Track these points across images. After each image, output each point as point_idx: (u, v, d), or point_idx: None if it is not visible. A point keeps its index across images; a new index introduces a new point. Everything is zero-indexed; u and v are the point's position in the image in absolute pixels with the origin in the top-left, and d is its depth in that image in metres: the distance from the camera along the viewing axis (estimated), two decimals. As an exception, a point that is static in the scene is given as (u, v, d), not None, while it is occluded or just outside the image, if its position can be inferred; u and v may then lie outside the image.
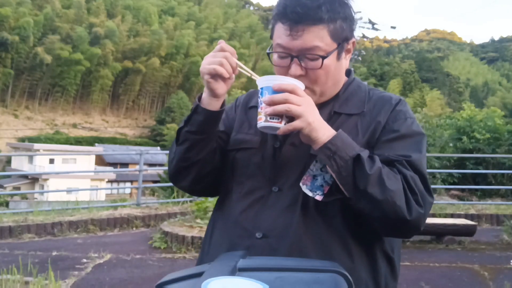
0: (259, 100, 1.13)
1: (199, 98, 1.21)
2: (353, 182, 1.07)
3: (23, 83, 73.50)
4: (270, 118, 1.09)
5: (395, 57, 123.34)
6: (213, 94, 1.17)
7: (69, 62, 73.69)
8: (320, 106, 1.20)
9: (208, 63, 1.14)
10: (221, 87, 1.16)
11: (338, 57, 1.20)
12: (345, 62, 1.24)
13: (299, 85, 1.12)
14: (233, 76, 1.17)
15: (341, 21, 1.17)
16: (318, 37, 1.14)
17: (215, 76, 1.14)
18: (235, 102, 1.40)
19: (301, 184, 1.14)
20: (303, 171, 1.16)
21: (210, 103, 1.19)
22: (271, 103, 1.08)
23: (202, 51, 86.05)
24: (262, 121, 1.10)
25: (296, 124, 1.07)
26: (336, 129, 1.14)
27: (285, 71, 1.18)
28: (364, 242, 1.16)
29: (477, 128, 13.08)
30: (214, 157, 1.26)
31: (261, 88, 1.12)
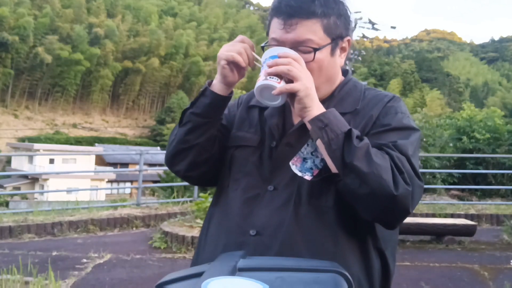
0: (262, 66, 1.15)
1: (210, 83, 1.24)
2: (341, 155, 1.08)
3: (23, 83, 73.48)
4: (270, 78, 1.11)
5: (395, 57, 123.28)
6: (225, 81, 1.21)
7: (69, 62, 73.66)
8: None
9: (226, 50, 1.18)
10: (233, 76, 1.20)
11: (332, 53, 1.21)
12: (340, 60, 1.25)
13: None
14: (248, 68, 1.20)
15: (335, 18, 1.19)
16: (311, 31, 1.16)
17: (231, 63, 1.17)
18: (237, 100, 1.42)
19: (290, 163, 1.16)
20: None
21: (219, 89, 1.22)
22: (274, 65, 1.11)
23: (202, 51, 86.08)
24: (260, 80, 1.12)
25: (294, 85, 1.09)
26: None
27: None
28: (357, 239, 1.17)
29: (477, 128, 13.08)
30: (213, 145, 1.28)
31: (268, 57, 1.14)
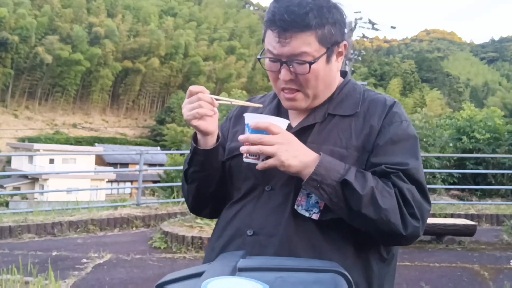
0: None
1: (195, 139, 1.27)
2: (345, 204, 1.09)
3: (23, 83, 73.48)
4: (250, 155, 1.15)
5: (395, 57, 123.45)
6: (206, 133, 1.23)
7: (69, 62, 73.67)
8: (315, 108, 1.24)
9: (188, 110, 1.19)
10: (210, 124, 1.22)
11: (328, 61, 1.21)
12: (337, 64, 1.26)
13: (279, 122, 1.15)
14: (216, 110, 1.22)
15: (330, 26, 1.19)
16: (306, 43, 1.16)
17: (201, 118, 1.19)
18: (227, 116, 1.45)
19: (296, 206, 1.16)
20: None
21: (206, 143, 1.26)
22: (246, 143, 1.13)
23: (202, 51, 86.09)
24: (244, 157, 1.18)
25: (270, 162, 1.12)
26: (330, 130, 1.19)
27: (276, 75, 1.22)
28: (355, 241, 1.17)
29: (477, 128, 13.09)
30: (223, 178, 1.33)
31: (246, 124, 1.18)
